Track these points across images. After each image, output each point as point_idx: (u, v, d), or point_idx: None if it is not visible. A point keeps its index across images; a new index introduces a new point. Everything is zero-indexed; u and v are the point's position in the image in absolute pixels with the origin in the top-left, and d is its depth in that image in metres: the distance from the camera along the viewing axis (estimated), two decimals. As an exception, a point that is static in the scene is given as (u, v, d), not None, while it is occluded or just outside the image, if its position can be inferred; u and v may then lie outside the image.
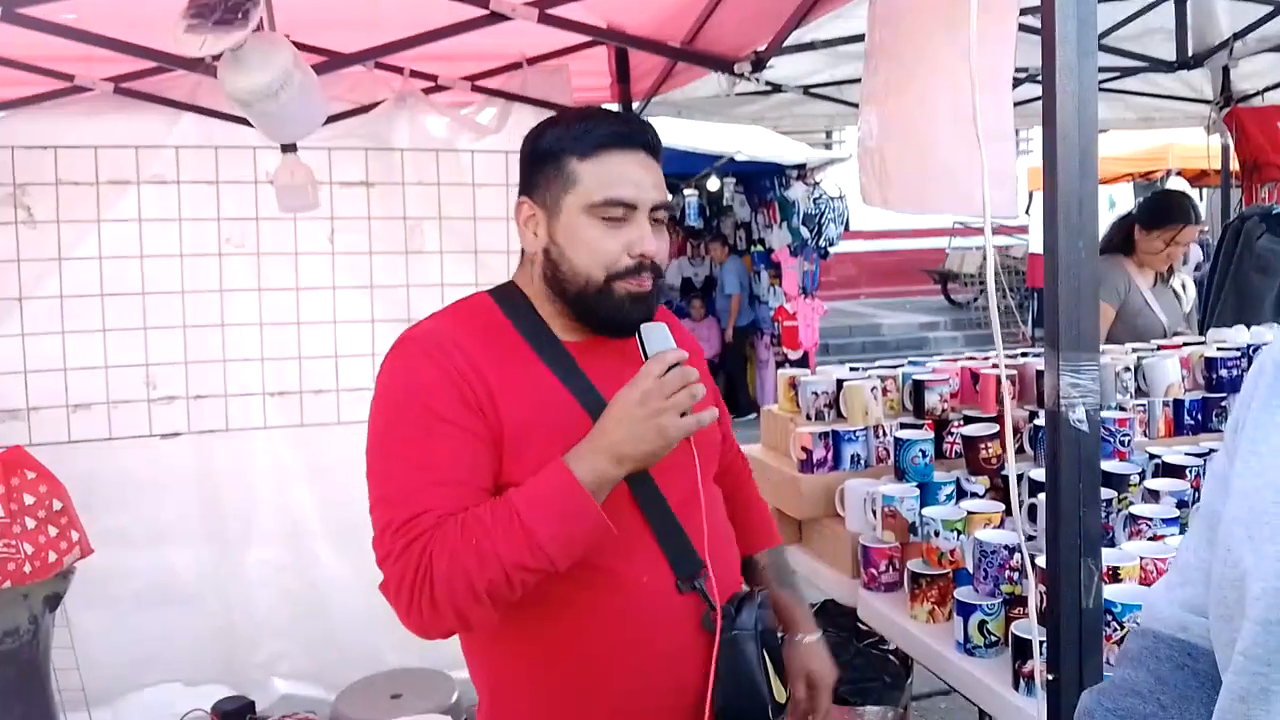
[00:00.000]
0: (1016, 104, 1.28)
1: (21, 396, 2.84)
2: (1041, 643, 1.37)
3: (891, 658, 2.28)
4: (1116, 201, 9.37)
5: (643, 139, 1.32)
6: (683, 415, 1.18)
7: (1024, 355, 2.69)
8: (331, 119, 2.82)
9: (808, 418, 2.42)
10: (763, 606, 1.36)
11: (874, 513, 2.05)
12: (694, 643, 1.31)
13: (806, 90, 3.52)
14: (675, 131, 5.56)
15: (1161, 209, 3.30)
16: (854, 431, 2.28)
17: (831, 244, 8.45)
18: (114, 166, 2.85)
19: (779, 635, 1.42)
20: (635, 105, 3.07)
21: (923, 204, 1.25)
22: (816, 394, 2.42)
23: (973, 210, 1.16)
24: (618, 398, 1.20)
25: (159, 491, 3.02)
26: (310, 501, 3.18)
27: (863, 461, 2.28)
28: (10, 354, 2.82)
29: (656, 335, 1.26)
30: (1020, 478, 2.03)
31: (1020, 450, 2.27)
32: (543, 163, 1.33)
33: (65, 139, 2.79)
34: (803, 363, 2.74)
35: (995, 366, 2.48)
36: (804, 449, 2.26)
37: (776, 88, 3.45)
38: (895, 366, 2.64)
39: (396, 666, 3.05)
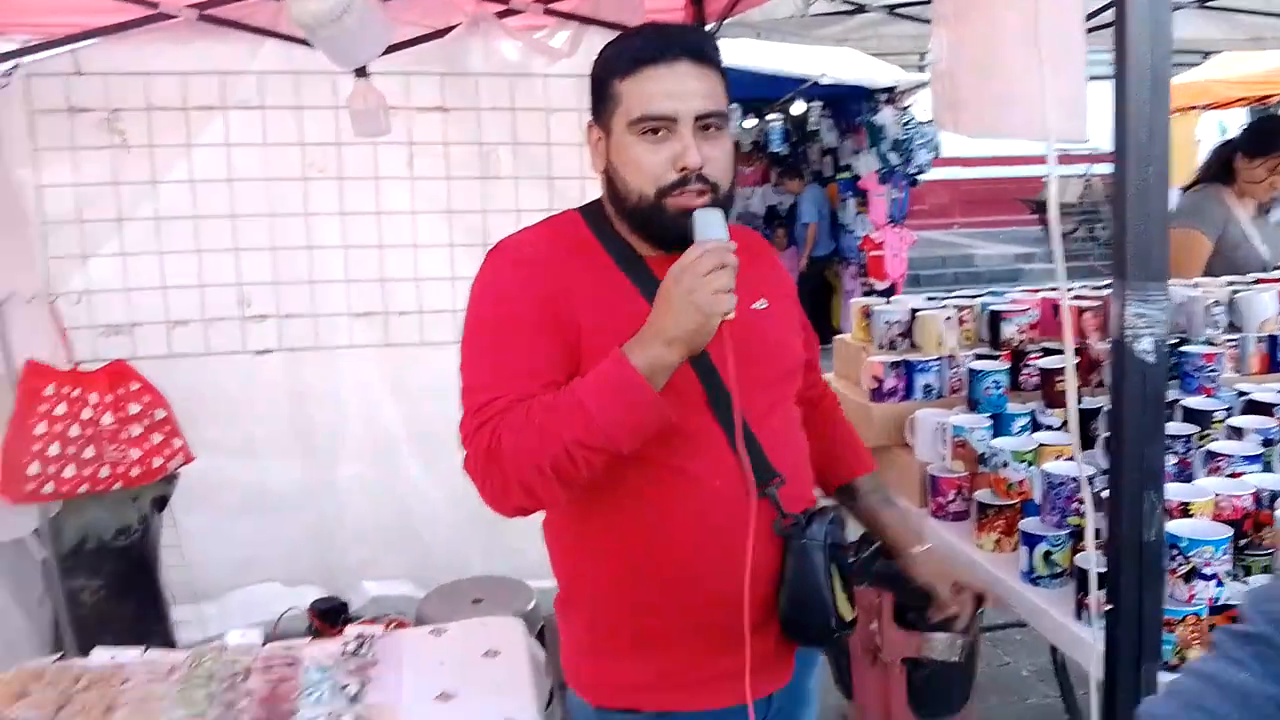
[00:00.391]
0: (1100, 27, 1.22)
1: (124, 313, 2.97)
2: (1101, 574, 1.37)
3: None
4: (1228, 127, 8.79)
5: (682, 47, 1.32)
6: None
7: (1110, 287, 2.60)
8: (407, 44, 2.84)
9: (880, 347, 2.41)
10: (834, 523, 1.39)
11: (944, 442, 2.04)
12: (762, 549, 1.35)
13: (892, 10, 3.39)
14: (756, 54, 5.39)
15: (1265, 135, 3.12)
16: (926, 362, 2.27)
17: (921, 171, 8.18)
18: (201, 92, 2.92)
19: (850, 555, 1.45)
20: (709, 26, 2.99)
21: (992, 128, 1.23)
22: (889, 323, 2.40)
23: (1043, 136, 1.13)
24: (661, 284, 1.25)
25: (254, 405, 3.15)
26: (397, 418, 3.28)
27: (935, 392, 2.27)
28: (112, 273, 2.95)
29: (708, 221, 1.28)
30: (1099, 410, 1.99)
31: (1101, 384, 2.22)
32: (598, 86, 1.39)
33: (153, 65, 2.86)
34: (889, 293, 2.70)
35: (1076, 297, 2.42)
36: (875, 378, 2.26)
37: (860, 7, 3.33)
38: (975, 297, 2.59)
39: (481, 574, 3.18)
